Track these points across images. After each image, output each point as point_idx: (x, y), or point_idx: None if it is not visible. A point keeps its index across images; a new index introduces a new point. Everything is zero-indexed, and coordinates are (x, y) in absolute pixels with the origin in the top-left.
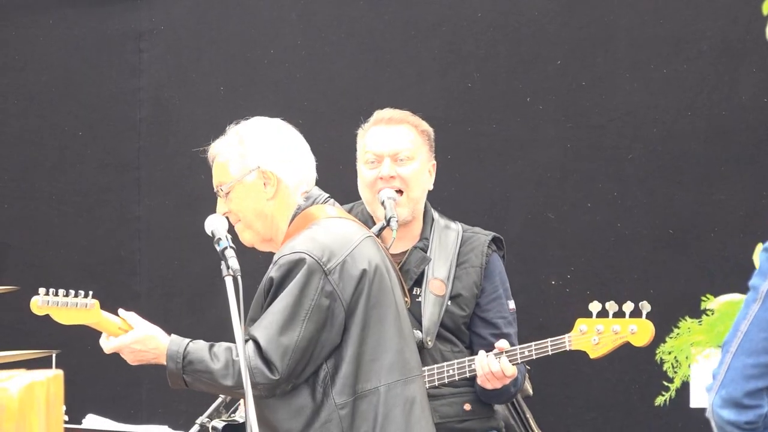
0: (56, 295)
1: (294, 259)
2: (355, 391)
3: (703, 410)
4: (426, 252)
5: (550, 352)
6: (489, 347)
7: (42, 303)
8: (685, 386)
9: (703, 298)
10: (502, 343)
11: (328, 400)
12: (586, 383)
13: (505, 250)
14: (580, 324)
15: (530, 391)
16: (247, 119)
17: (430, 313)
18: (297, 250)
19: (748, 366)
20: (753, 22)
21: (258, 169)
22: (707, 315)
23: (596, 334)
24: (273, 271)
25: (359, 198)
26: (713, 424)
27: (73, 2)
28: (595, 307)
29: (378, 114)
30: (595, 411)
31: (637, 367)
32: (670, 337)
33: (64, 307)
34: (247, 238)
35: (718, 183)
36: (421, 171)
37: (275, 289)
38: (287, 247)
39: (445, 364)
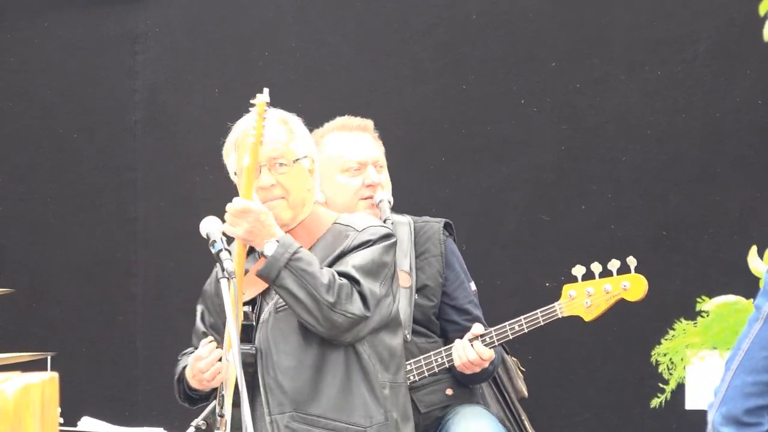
0: None
1: (386, 231)
2: (392, 380)
3: (698, 412)
4: None
5: (542, 323)
6: (464, 332)
7: None
8: (680, 388)
9: (698, 300)
10: (476, 329)
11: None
12: (581, 384)
13: (455, 234)
14: (569, 290)
15: (525, 392)
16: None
17: (402, 307)
18: (380, 224)
19: (748, 384)
20: (748, 23)
21: (310, 158)
22: (702, 317)
23: (587, 296)
24: (365, 236)
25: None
26: None
27: (68, 4)
28: (578, 270)
29: (341, 122)
30: (590, 412)
31: (632, 368)
32: (665, 339)
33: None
34: (286, 217)
35: (713, 184)
36: (388, 177)
37: (366, 247)
38: (357, 219)
39: (431, 353)
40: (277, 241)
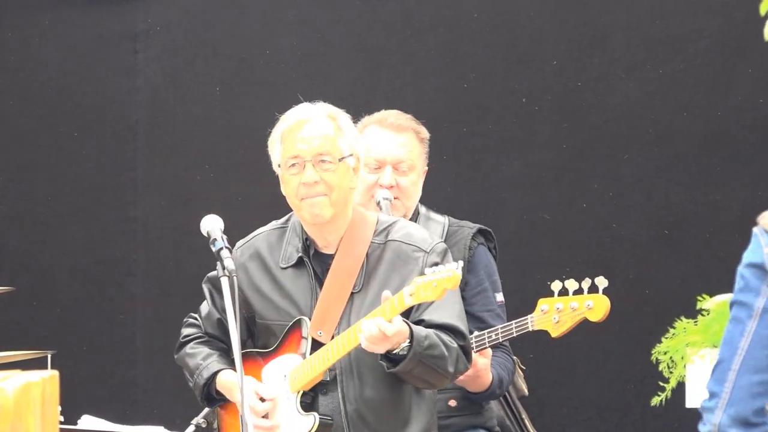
0: None
1: (443, 246)
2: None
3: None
4: None
5: (515, 334)
6: (474, 340)
7: None
8: (680, 386)
9: (699, 298)
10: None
11: None
12: (582, 383)
13: (496, 242)
14: (542, 304)
15: (526, 391)
16: (323, 103)
17: None
18: (435, 239)
19: (754, 384)
20: (749, 22)
21: (355, 156)
22: (703, 315)
23: (556, 312)
24: (434, 257)
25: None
26: None
27: (68, 3)
28: (556, 286)
29: (383, 115)
30: (591, 411)
31: (633, 367)
32: (666, 337)
33: None
34: (327, 215)
35: (713, 183)
36: (417, 180)
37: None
38: (415, 234)
39: None
40: (410, 342)
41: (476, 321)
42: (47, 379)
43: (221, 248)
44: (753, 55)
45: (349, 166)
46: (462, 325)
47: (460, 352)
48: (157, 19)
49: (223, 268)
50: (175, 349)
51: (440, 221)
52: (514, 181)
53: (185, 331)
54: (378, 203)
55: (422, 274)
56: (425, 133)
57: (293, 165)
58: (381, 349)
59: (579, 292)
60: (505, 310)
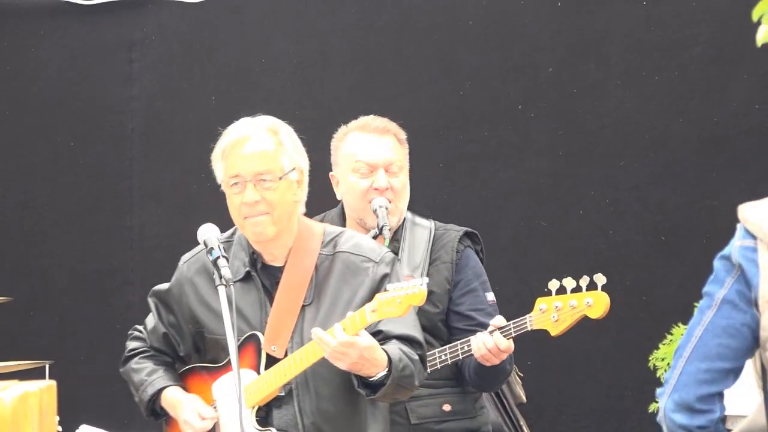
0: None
1: (391, 255)
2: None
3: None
4: (397, 254)
5: (513, 334)
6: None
7: None
8: None
9: (696, 305)
10: (497, 320)
11: None
12: (580, 390)
13: (483, 245)
14: (540, 303)
15: (523, 397)
16: (265, 116)
17: None
18: (383, 249)
19: (702, 371)
20: (744, 28)
21: (298, 170)
22: None
23: (555, 311)
24: (384, 268)
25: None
26: (664, 428)
27: (65, 12)
28: (553, 285)
29: (363, 121)
30: (589, 417)
31: (631, 373)
32: (663, 344)
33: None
34: (270, 233)
35: (710, 189)
36: (406, 182)
37: (390, 281)
38: (363, 244)
39: (435, 351)
40: (388, 370)
41: (465, 319)
42: (45, 389)
43: (218, 257)
44: (748, 60)
45: (292, 181)
46: (419, 334)
47: (420, 364)
48: (153, 28)
49: (220, 277)
50: (120, 362)
51: (426, 225)
52: (510, 188)
53: (130, 344)
54: (374, 211)
55: (374, 283)
56: (403, 134)
57: (235, 184)
58: (343, 365)
59: (577, 290)
60: (497, 309)
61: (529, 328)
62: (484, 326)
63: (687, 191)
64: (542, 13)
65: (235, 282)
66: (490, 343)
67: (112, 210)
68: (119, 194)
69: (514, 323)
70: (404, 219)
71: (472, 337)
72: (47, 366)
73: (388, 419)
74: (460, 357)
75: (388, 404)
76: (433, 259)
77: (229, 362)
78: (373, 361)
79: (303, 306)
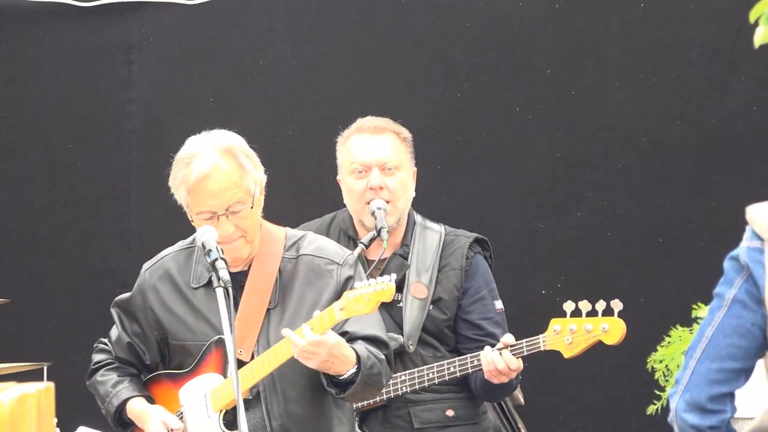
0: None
1: (353, 257)
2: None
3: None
4: (406, 259)
5: (525, 353)
6: (475, 348)
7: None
8: None
9: (694, 307)
10: (507, 338)
11: None
12: (578, 392)
13: (492, 251)
14: (554, 324)
15: (522, 400)
16: (210, 131)
17: (412, 318)
18: (346, 251)
19: (713, 371)
20: (742, 30)
21: (259, 186)
22: (698, 323)
23: (569, 333)
24: (347, 270)
25: (350, 207)
26: (676, 428)
27: (62, 14)
28: (569, 306)
29: (360, 123)
30: (587, 419)
31: (629, 375)
32: (661, 346)
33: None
34: (245, 254)
35: (708, 191)
36: (406, 180)
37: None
38: (326, 247)
39: (425, 368)
40: (357, 367)
41: (474, 328)
42: (43, 391)
43: (216, 259)
44: (746, 62)
45: (259, 199)
46: (384, 335)
47: (386, 363)
48: (151, 30)
49: (218, 279)
50: (86, 375)
51: (437, 230)
52: (508, 190)
53: (96, 357)
54: (372, 213)
55: (339, 285)
56: (406, 133)
57: (207, 219)
58: (313, 364)
59: (592, 314)
60: (504, 317)
61: (542, 348)
62: (492, 336)
63: (685, 193)
64: (540, 15)
65: (198, 287)
66: (501, 365)
67: (111, 212)
68: (118, 196)
69: (527, 342)
70: (415, 223)
71: (481, 353)
72: (45, 368)
73: (354, 422)
74: (469, 371)
75: (354, 406)
76: (443, 266)
77: (194, 368)
78: (342, 358)
79: (268, 309)
